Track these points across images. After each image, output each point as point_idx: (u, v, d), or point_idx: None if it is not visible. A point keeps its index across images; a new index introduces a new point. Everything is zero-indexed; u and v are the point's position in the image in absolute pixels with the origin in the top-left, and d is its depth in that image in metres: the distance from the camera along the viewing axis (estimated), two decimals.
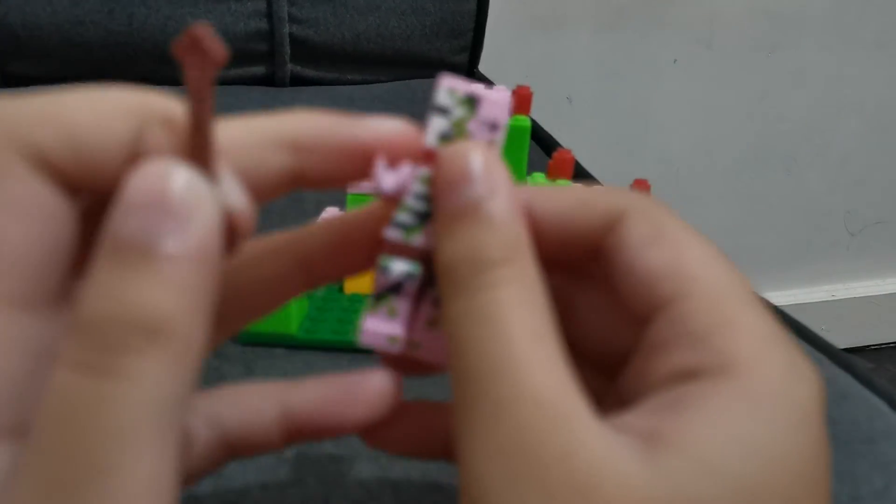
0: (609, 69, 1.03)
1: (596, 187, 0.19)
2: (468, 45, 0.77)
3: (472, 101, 0.19)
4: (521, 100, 0.43)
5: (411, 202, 0.18)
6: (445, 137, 0.19)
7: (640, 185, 0.44)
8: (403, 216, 0.18)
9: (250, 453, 0.19)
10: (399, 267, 0.19)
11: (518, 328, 0.16)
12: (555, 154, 0.40)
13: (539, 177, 0.40)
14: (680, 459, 0.14)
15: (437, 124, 0.19)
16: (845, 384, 0.35)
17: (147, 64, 0.67)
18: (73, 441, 0.13)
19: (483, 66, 0.79)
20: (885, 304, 1.29)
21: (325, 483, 0.26)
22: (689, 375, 0.15)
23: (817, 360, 0.37)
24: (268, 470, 0.27)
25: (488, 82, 0.44)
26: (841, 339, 1.27)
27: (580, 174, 0.58)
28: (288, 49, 0.70)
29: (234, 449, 0.19)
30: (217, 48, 0.14)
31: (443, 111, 0.19)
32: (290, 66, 0.70)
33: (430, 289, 0.19)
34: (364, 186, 0.19)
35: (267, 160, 0.17)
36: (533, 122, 0.56)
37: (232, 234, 0.16)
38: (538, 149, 0.63)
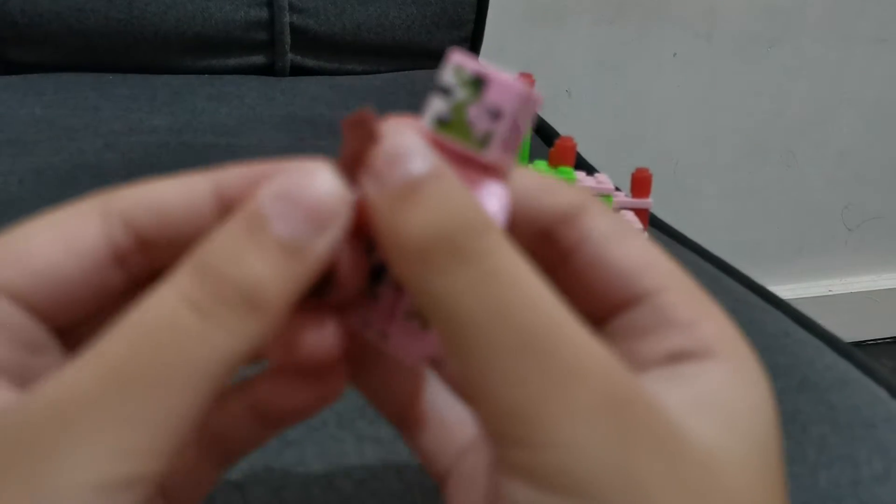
0: (609, 62, 1.03)
1: (550, 177, 0.19)
2: (468, 36, 0.76)
3: (478, 83, 0.17)
4: None
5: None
6: (442, 123, 0.17)
7: (642, 174, 0.44)
8: None
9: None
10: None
11: (544, 288, 0.15)
12: (557, 142, 0.40)
13: (541, 164, 0.40)
14: (720, 419, 0.16)
15: (435, 106, 0.17)
16: (845, 371, 0.35)
17: (146, 52, 0.67)
18: (150, 355, 0.15)
19: (483, 58, 0.79)
20: (883, 299, 1.30)
21: (328, 464, 0.26)
22: (680, 357, 0.17)
23: (817, 348, 0.37)
24: (270, 451, 0.27)
25: None
26: (838, 334, 1.27)
27: (580, 165, 0.58)
28: (288, 38, 0.69)
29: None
30: (378, 132, 0.16)
31: (445, 91, 0.17)
32: (290, 55, 0.70)
33: None
34: None
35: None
36: None
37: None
38: (538, 139, 0.63)
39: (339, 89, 0.67)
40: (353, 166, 0.16)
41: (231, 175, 0.18)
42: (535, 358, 0.15)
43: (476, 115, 0.17)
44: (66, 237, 0.17)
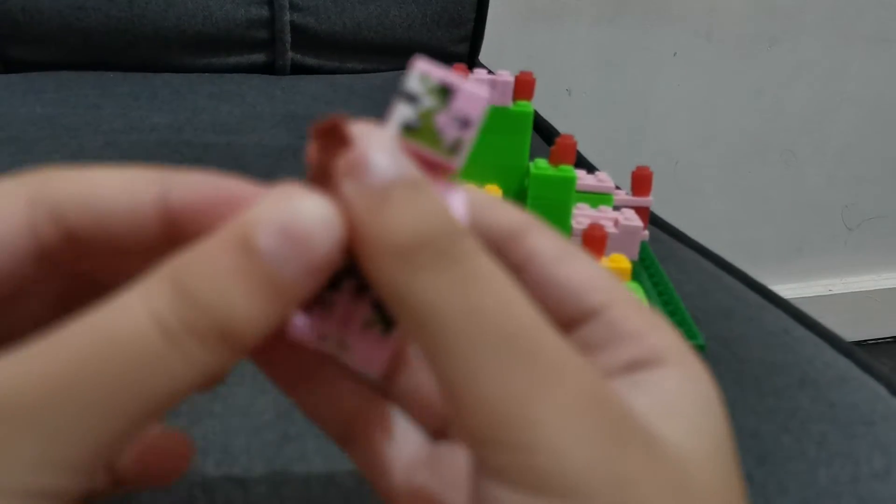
0: (609, 61, 1.03)
1: (491, 195, 0.19)
2: (469, 34, 0.76)
3: (444, 92, 0.17)
4: (524, 85, 0.43)
5: None
6: (410, 129, 0.17)
7: (642, 172, 0.44)
8: None
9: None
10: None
11: (520, 292, 0.16)
12: (557, 140, 0.40)
13: (542, 162, 0.40)
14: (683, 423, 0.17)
15: (402, 113, 0.17)
16: (845, 368, 0.35)
17: (147, 50, 0.67)
18: (102, 370, 0.14)
19: (483, 57, 0.79)
20: (882, 299, 1.30)
21: (329, 460, 0.26)
22: (636, 366, 0.18)
23: (817, 346, 0.37)
24: (272, 446, 0.27)
25: (489, 72, 0.44)
26: (838, 334, 1.27)
27: (580, 163, 0.58)
28: (289, 37, 0.70)
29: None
30: (350, 135, 0.16)
31: (411, 98, 0.17)
32: (290, 54, 0.70)
33: (369, 291, 0.17)
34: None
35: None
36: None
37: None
38: (538, 138, 0.63)
39: (339, 88, 0.67)
40: (323, 175, 0.16)
41: (182, 183, 0.17)
42: (517, 359, 0.15)
43: (445, 123, 0.17)
44: None
